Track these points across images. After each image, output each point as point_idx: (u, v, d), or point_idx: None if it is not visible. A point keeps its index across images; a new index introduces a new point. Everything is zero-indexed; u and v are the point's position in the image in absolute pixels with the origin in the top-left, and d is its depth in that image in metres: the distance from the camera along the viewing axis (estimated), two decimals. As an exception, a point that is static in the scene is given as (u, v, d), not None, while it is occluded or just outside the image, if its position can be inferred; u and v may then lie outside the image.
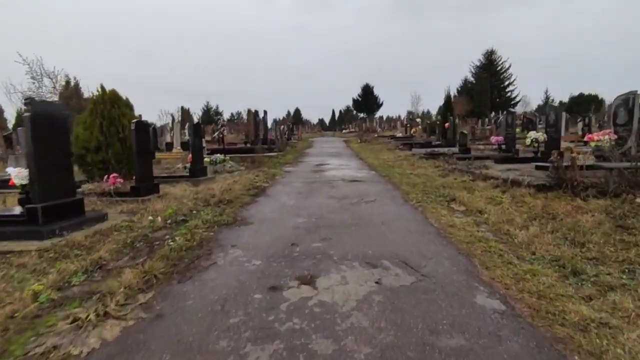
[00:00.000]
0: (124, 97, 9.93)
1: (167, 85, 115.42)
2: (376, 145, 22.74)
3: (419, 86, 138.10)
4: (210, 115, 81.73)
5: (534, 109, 64.80)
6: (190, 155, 12.12)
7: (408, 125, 27.94)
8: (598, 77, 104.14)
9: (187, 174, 8.85)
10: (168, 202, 5.98)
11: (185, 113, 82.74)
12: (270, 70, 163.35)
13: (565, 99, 75.29)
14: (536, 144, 8.35)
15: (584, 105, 44.16)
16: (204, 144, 16.85)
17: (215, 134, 14.74)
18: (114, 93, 9.70)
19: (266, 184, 7.94)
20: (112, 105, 9.32)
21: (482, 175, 7.33)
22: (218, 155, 11.12)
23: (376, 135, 30.29)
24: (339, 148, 21.75)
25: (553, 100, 73.70)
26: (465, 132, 13.05)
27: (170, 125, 18.96)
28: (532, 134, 8.49)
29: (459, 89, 60.20)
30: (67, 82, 35.56)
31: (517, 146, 11.09)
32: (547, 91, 70.94)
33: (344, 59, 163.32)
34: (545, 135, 8.31)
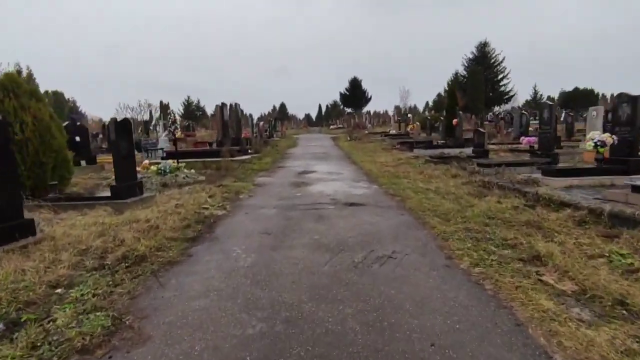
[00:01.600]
0: (27, 84, 7.27)
1: (142, 80, 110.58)
2: (368, 143, 20.32)
3: (404, 81, 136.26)
4: (191, 110, 78.13)
5: (521, 104, 63.60)
6: (146, 162, 9.48)
7: (400, 120, 25.61)
8: (586, 73, 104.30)
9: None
10: (35, 259, 3.39)
11: (164, 108, 79.14)
12: (253, 65, 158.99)
13: (554, 95, 74.46)
14: (602, 149, 6.00)
15: (580, 101, 42.82)
16: (166, 145, 14.13)
17: (163, 134, 11.97)
18: (10, 77, 7.00)
19: (221, 210, 5.36)
20: (7, 94, 6.66)
21: (542, 197, 4.92)
22: (169, 162, 8.47)
23: (366, 132, 27.89)
24: (326, 147, 19.23)
25: (541, 95, 72.88)
26: (482, 130, 10.71)
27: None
28: (595, 135, 6.15)
29: (450, 82, 58.44)
30: (19, 72, 31.95)
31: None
32: (535, 86, 69.97)
33: (327, 54, 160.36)
34: (614, 137, 5.97)
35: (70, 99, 66.18)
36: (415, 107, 73.77)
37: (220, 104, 10.47)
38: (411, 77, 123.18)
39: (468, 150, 12.20)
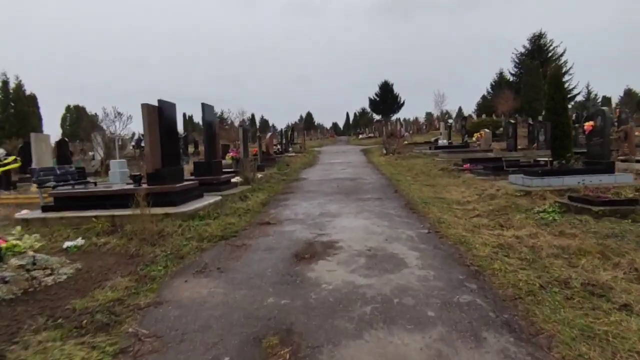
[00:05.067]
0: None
1: (166, 94, 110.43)
2: (413, 159, 14.77)
3: (429, 87, 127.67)
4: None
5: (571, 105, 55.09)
6: (21, 213, 4.69)
7: (452, 128, 19.84)
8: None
9: None
10: None
11: (188, 122, 76.58)
12: (278, 77, 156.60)
13: (611, 95, 65.19)
14: None
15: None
16: (122, 170, 9.29)
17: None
18: None
19: None
20: None
21: None
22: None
23: (405, 142, 22.28)
24: (356, 167, 13.86)
25: (596, 95, 63.74)
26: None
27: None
28: None
29: (494, 83, 51.64)
30: (5, 82, 28.85)
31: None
32: (588, 85, 61.28)
33: (349, 64, 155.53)
34: None
35: (91, 113, 64.86)
36: (447, 112, 66.64)
37: (156, 103, 5.40)
38: (437, 82, 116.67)
39: (625, 179, 6.52)
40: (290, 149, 20.78)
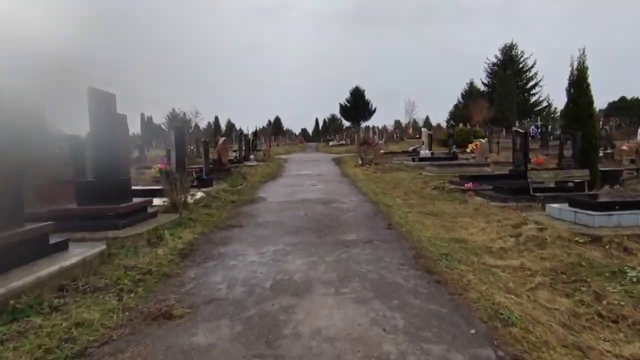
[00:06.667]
0: None
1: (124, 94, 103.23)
2: (395, 172, 12.54)
3: (399, 94, 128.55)
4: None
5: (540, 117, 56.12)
6: None
7: (431, 136, 17.96)
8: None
9: None
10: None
11: (147, 122, 71.39)
12: (245, 80, 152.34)
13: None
14: None
15: (630, 110, 35.58)
16: None
17: None
18: None
19: None
20: None
21: None
22: None
23: (382, 151, 20.20)
24: (329, 181, 11.39)
25: (555, 108, 65.77)
26: None
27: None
28: None
29: (465, 93, 51.54)
30: None
31: None
32: (548, 98, 63.07)
33: (316, 68, 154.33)
34: None
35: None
36: (414, 121, 66.12)
37: None
38: (404, 90, 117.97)
39: None
40: (251, 156, 18.01)
